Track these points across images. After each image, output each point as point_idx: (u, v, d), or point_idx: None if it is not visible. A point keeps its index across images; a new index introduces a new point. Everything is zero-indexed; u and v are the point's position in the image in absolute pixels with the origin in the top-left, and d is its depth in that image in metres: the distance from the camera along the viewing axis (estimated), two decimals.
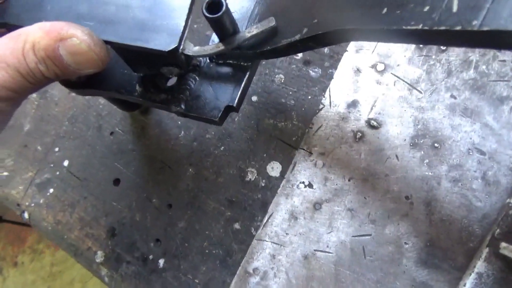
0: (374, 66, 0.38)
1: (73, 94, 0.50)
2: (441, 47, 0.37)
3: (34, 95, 0.53)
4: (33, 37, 0.24)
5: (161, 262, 0.41)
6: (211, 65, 0.34)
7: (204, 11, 0.27)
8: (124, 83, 0.35)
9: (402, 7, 0.20)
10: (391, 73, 0.37)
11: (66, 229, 0.45)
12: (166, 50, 0.25)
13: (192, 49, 0.31)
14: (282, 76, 0.42)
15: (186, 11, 0.26)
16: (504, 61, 0.35)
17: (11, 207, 0.49)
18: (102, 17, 0.27)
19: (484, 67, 0.35)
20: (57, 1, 0.28)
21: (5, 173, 0.50)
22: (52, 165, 0.48)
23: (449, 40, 0.18)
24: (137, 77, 0.34)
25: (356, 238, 0.35)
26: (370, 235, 0.34)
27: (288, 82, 0.42)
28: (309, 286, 0.34)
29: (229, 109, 0.33)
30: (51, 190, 0.47)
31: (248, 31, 0.30)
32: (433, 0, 0.19)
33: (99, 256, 0.43)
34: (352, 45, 0.39)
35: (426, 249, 0.33)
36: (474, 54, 0.36)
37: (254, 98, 0.43)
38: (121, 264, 0.42)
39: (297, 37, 0.27)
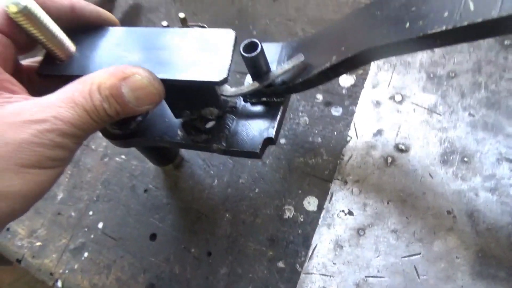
0: (392, 98, 0.42)
1: (106, 159, 0.53)
2: (450, 74, 0.41)
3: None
4: (99, 78, 0.28)
5: None
6: (246, 106, 0.38)
7: (242, 51, 0.32)
8: (166, 130, 0.38)
9: (423, 18, 0.25)
10: (410, 102, 0.41)
11: None
12: (218, 80, 0.29)
13: (229, 90, 0.35)
14: (306, 118, 0.46)
15: (231, 48, 0.30)
16: (510, 79, 0.39)
17: (43, 279, 0.49)
18: (155, 60, 0.31)
19: (493, 86, 0.39)
20: (113, 51, 0.32)
21: (38, 243, 0.51)
22: (86, 229, 0.49)
23: (473, 33, 0.22)
24: (178, 124, 0.37)
25: (406, 258, 0.35)
26: (419, 253, 0.35)
27: (312, 123, 0.46)
28: None
29: (267, 142, 0.35)
30: (86, 254, 0.48)
31: (279, 68, 0.34)
32: (450, 5, 0.23)
33: None
34: (369, 82, 0.44)
35: (478, 260, 0.33)
36: (482, 76, 0.40)
37: (283, 141, 0.46)
38: None
39: (328, 65, 0.31)
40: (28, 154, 0.25)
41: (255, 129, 0.37)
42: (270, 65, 0.37)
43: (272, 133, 0.36)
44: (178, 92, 0.33)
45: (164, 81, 0.31)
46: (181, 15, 0.35)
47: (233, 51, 0.32)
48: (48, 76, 0.33)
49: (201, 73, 0.30)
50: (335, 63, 0.32)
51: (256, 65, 0.34)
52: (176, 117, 0.37)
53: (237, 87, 0.36)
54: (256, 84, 0.35)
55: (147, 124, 0.39)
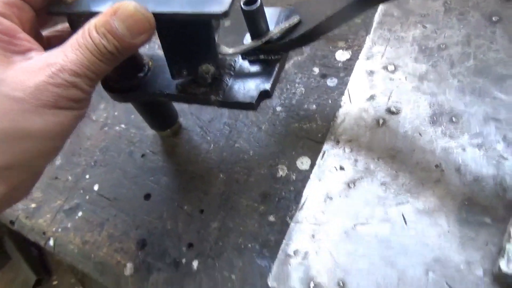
0: (385, 68, 0.45)
1: (106, 128, 0.55)
2: (441, 46, 0.44)
3: None
4: (94, 20, 0.30)
5: (195, 264, 0.41)
6: (244, 64, 0.40)
7: (242, 5, 0.34)
8: (165, 85, 0.40)
9: None
10: (402, 71, 0.44)
11: (94, 248, 0.46)
12: (221, 12, 0.31)
13: (227, 49, 0.37)
14: (302, 89, 0.48)
15: None
16: (497, 50, 0.42)
17: (36, 238, 0.50)
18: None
19: (481, 56, 0.42)
20: None
21: (33, 205, 0.52)
22: (81, 191, 0.51)
23: None
24: (177, 80, 0.40)
25: (394, 207, 0.36)
26: (407, 202, 0.36)
27: (308, 92, 0.48)
28: (352, 259, 0.35)
29: (263, 94, 0.37)
30: (80, 214, 0.49)
31: (277, 27, 0.37)
32: None
33: (128, 269, 0.43)
34: (363, 54, 0.46)
35: (465, 208, 0.35)
36: (471, 48, 0.43)
37: (279, 108, 0.48)
38: (152, 273, 0.42)
39: (323, 17, 0.34)
40: (45, 95, 0.28)
41: (252, 83, 0.39)
42: (269, 25, 0.39)
43: (268, 86, 0.38)
44: (175, 38, 0.35)
45: (162, 16, 0.32)
46: None
47: None
48: (58, 13, 0.36)
49: (202, 7, 0.33)
50: (330, 15, 0.34)
51: (255, 21, 0.36)
52: (174, 77, 0.39)
53: (236, 47, 0.38)
54: (255, 42, 0.37)
55: (148, 80, 0.41)
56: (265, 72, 0.39)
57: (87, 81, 0.30)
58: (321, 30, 0.37)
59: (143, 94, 0.41)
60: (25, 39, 0.31)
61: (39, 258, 1.66)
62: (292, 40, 0.37)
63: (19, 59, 0.30)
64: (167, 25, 0.34)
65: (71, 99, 0.30)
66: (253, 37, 0.38)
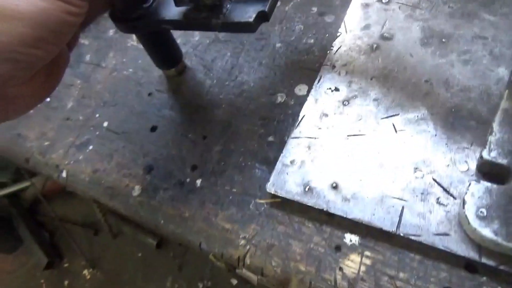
0: (379, 0, 0.46)
1: (114, 73, 0.58)
2: None
3: (78, 80, 0.61)
4: None
5: (198, 182, 0.43)
6: None
7: None
8: (169, 14, 0.43)
9: None
10: (395, 2, 0.46)
11: (104, 175, 0.49)
12: None
13: None
14: (301, 26, 0.51)
15: None
16: None
17: (49, 172, 0.53)
18: None
19: None
20: None
21: (46, 143, 0.55)
22: (92, 128, 0.54)
23: None
24: (180, 9, 0.42)
25: (385, 119, 0.39)
26: (397, 114, 0.38)
27: (306, 29, 0.50)
28: (345, 164, 0.37)
29: (261, 16, 0.40)
30: (90, 147, 0.52)
31: None
32: None
33: (136, 190, 0.46)
34: None
35: (452, 114, 0.37)
36: None
37: (278, 45, 0.50)
38: (158, 192, 0.44)
39: None
40: None
41: (251, 7, 0.41)
42: None
43: (265, 7, 0.40)
44: None
45: None
46: None
47: None
48: None
49: None
50: None
51: None
52: (176, 4, 0.41)
53: None
54: None
55: (153, 10, 0.44)
56: None
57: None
58: None
59: (148, 23, 0.44)
60: None
61: (50, 242, 1.71)
62: None
63: None
64: None
65: None
66: None
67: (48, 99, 0.61)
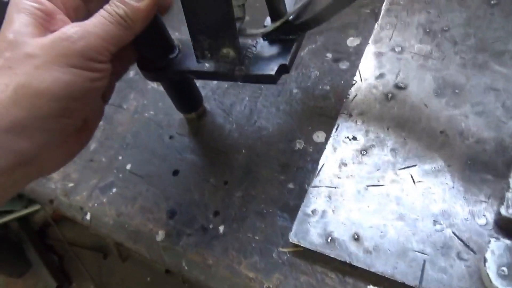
0: (392, 49, 0.49)
1: (136, 116, 0.60)
2: (444, 28, 0.48)
3: (101, 122, 0.63)
4: None
5: (221, 228, 0.45)
6: (264, 45, 0.45)
7: None
8: (192, 65, 0.45)
9: None
10: (408, 51, 0.48)
11: (128, 219, 0.50)
12: None
13: (252, 31, 0.42)
14: (317, 72, 0.53)
15: None
16: (496, 29, 0.46)
17: (74, 214, 0.55)
18: None
19: (481, 35, 0.46)
20: None
21: (71, 184, 0.57)
22: (115, 171, 0.56)
23: None
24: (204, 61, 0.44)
25: (403, 170, 0.40)
26: (415, 165, 0.40)
27: (322, 75, 0.52)
28: (365, 215, 0.38)
29: (282, 69, 0.42)
30: (114, 190, 0.54)
31: (293, 8, 0.41)
32: None
33: (160, 235, 0.47)
34: (372, 39, 0.51)
35: (468, 167, 0.38)
36: (471, 28, 0.47)
37: (295, 91, 0.52)
38: (182, 238, 0.46)
39: None
40: (57, 50, 0.29)
41: (272, 60, 0.44)
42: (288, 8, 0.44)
43: (286, 61, 0.42)
44: (198, 17, 0.40)
45: None
46: None
47: None
48: None
49: None
50: None
51: (273, 2, 0.41)
52: (198, 59, 0.43)
53: (259, 28, 0.43)
54: (275, 23, 0.42)
55: (178, 61, 0.46)
56: (284, 50, 0.43)
57: (102, 43, 0.32)
58: (332, 9, 0.41)
59: (173, 73, 0.46)
60: (63, 20, 0.32)
61: (59, 265, 1.72)
62: (307, 20, 0.42)
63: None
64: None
65: (84, 57, 0.30)
66: (272, 20, 0.43)
67: None
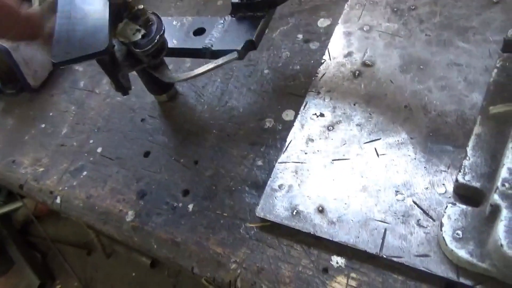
0: (361, 28, 0.49)
1: (108, 100, 0.60)
2: (411, 7, 0.49)
3: (72, 106, 0.62)
4: None
5: (190, 206, 0.45)
6: (233, 21, 0.45)
7: None
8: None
9: None
10: (376, 30, 0.48)
11: (98, 201, 0.50)
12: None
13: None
14: (288, 53, 0.53)
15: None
16: (461, 7, 0.46)
17: (44, 198, 0.54)
18: None
19: (446, 13, 0.47)
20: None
21: (41, 169, 0.57)
22: (86, 154, 0.55)
23: None
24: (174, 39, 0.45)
25: (368, 143, 0.41)
26: (379, 138, 0.41)
27: (293, 56, 0.53)
28: (330, 188, 0.39)
29: (249, 45, 0.42)
30: (85, 173, 0.53)
31: None
32: None
33: (130, 215, 0.47)
34: (342, 19, 0.51)
35: (430, 139, 0.39)
36: (437, 7, 0.47)
37: (266, 71, 0.53)
38: (151, 217, 0.46)
39: None
40: None
41: (239, 36, 0.44)
42: None
43: (253, 35, 0.43)
44: None
45: None
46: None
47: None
48: None
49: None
50: None
51: None
52: None
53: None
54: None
55: None
56: (251, 27, 0.44)
57: None
58: None
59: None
60: None
61: (42, 263, 1.69)
62: None
63: None
64: None
65: None
66: None
67: (43, 125, 0.62)
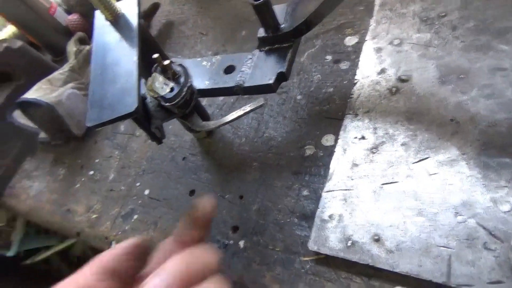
0: (391, 43, 0.47)
1: (149, 141, 0.60)
2: (441, 14, 0.46)
3: (116, 151, 0.63)
4: None
5: (241, 243, 0.44)
6: (261, 56, 0.44)
7: (252, 1, 0.39)
8: (197, 86, 0.45)
9: None
10: (407, 43, 0.46)
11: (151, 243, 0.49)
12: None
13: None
14: (319, 75, 0.52)
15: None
16: (495, 7, 0.43)
17: (99, 244, 0.55)
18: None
19: (480, 16, 0.44)
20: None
21: (94, 216, 0.57)
22: (134, 197, 0.55)
23: None
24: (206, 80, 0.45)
25: (416, 163, 0.38)
26: (428, 157, 0.38)
27: (324, 78, 0.51)
28: (383, 215, 0.37)
29: (280, 77, 0.41)
30: (135, 217, 0.54)
31: (284, 17, 0.41)
32: None
33: None
34: (369, 35, 0.49)
35: (483, 153, 0.36)
36: (469, 10, 0.44)
37: (299, 97, 0.51)
38: None
39: (320, 2, 0.37)
40: None
41: (270, 69, 0.43)
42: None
43: (284, 67, 0.41)
44: None
45: None
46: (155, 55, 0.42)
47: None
48: None
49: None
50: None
51: (264, 15, 0.40)
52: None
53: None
54: (263, 33, 0.42)
55: None
56: (281, 59, 0.42)
57: None
58: (322, 12, 0.40)
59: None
60: None
61: None
62: (298, 25, 0.41)
63: None
64: None
65: None
66: (266, 30, 0.42)
67: (91, 172, 0.63)
